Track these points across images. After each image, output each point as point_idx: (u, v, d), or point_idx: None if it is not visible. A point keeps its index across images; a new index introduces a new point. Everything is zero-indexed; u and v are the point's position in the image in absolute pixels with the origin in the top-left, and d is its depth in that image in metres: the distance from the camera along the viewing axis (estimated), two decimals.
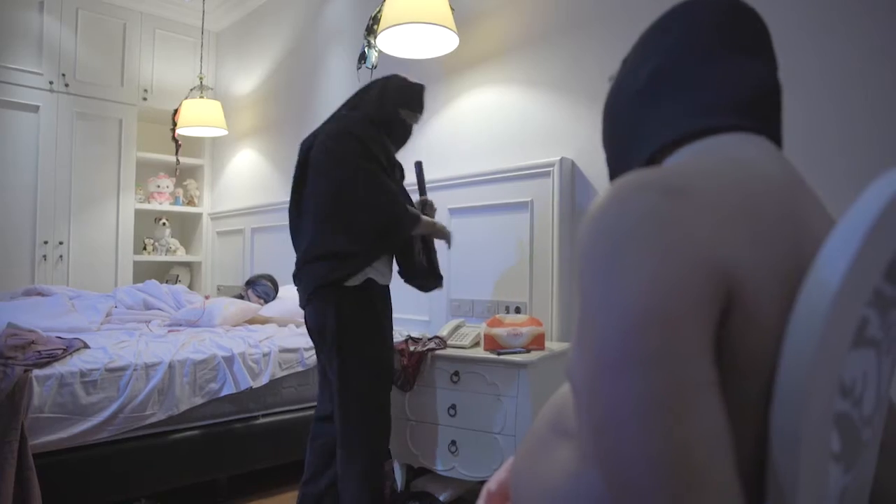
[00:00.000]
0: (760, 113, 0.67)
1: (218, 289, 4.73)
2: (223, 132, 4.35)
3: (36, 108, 4.21)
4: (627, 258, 0.50)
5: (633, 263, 0.50)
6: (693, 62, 0.69)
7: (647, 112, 0.70)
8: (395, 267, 2.24)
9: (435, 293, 3.03)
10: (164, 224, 4.93)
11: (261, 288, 3.68)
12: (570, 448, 0.66)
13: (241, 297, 3.59)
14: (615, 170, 0.77)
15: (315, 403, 2.66)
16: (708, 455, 0.47)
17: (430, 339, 2.37)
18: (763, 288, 0.53)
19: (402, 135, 2.23)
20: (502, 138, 2.87)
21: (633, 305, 0.49)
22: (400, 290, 3.28)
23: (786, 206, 0.58)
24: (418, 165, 2.34)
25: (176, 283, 4.89)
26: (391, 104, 2.15)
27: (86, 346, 2.25)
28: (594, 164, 2.51)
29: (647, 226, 0.51)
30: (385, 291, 2.12)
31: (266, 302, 3.64)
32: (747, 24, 0.71)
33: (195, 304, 3.29)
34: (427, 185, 3.11)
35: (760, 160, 0.61)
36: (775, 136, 0.69)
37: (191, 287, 5.03)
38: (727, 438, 0.50)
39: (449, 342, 2.36)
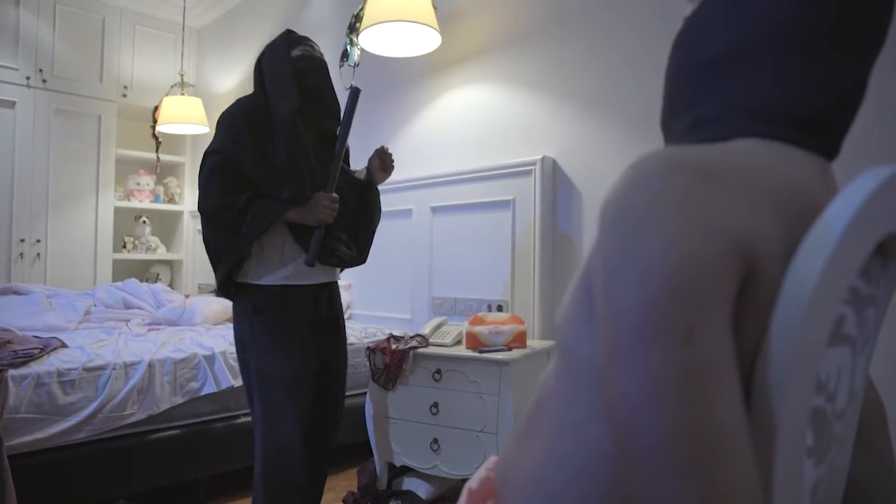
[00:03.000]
0: (825, 127, 0.64)
1: (199, 287, 4.69)
2: (204, 129, 4.31)
3: (12, 104, 4.14)
4: (655, 233, 0.50)
5: (660, 238, 0.50)
6: (783, 48, 0.62)
7: (712, 90, 0.66)
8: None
9: (417, 291, 3.04)
10: (144, 222, 4.88)
11: None
12: (550, 423, 0.66)
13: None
14: (667, 121, 0.73)
15: None
16: (731, 429, 0.48)
17: (412, 338, 2.37)
18: (778, 275, 0.53)
19: (313, 77, 1.95)
20: (484, 137, 2.87)
21: (660, 277, 0.49)
22: (384, 288, 3.29)
23: (812, 207, 0.58)
24: (353, 92, 1.96)
25: (156, 281, 4.84)
26: (276, 63, 1.93)
27: (63, 346, 2.22)
28: (576, 163, 2.53)
29: (676, 204, 0.51)
30: (271, 293, 1.88)
31: None
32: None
33: (175, 302, 3.26)
34: (411, 183, 3.11)
35: (798, 167, 0.61)
36: (835, 145, 0.66)
37: (171, 285, 4.98)
38: (745, 415, 0.50)
39: (431, 340, 2.36)
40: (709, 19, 0.68)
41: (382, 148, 2.09)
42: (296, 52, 1.94)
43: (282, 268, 1.87)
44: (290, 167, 1.85)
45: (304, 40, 1.99)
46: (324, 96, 1.99)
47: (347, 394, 2.80)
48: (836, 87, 0.63)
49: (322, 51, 2.05)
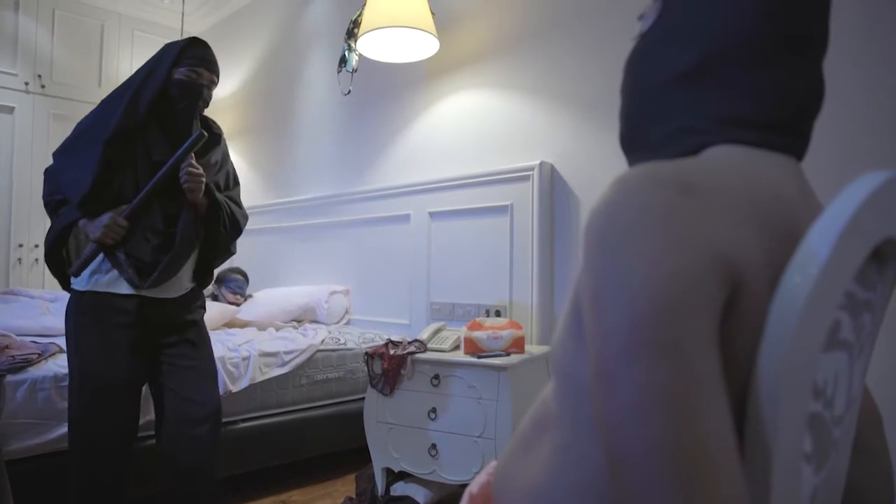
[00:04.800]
0: (795, 129, 0.66)
1: None
2: None
3: (11, 110, 4.15)
4: (641, 250, 0.51)
5: (646, 255, 0.50)
6: (748, 57, 0.64)
7: (683, 103, 0.67)
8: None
9: (416, 296, 3.04)
10: None
11: (233, 283, 3.61)
12: (550, 442, 0.66)
13: (214, 297, 3.55)
14: (628, 138, 0.74)
15: (293, 408, 2.65)
16: (719, 445, 0.48)
17: (410, 343, 2.37)
18: (762, 289, 0.54)
19: (179, 95, 1.90)
20: (482, 142, 2.88)
21: (647, 294, 0.49)
22: (382, 293, 3.29)
23: (791, 215, 0.58)
24: (197, 135, 1.84)
25: None
26: (154, 74, 1.91)
27: (61, 351, 2.22)
28: (573, 168, 2.53)
29: (661, 220, 0.51)
30: (91, 299, 1.85)
31: (241, 296, 3.59)
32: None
33: None
34: (409, 188, 3.11)
35: (775, 174, 0.61)
36: (803, 146, 0.68)
37: None
38: (733, 429, 0.50)
39: (429, 345, 2.36)
40: (667, 35, 0.69)
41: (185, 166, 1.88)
42: (177, 74, 1.89)
43: (96, 275, 1.87)
44: (87, 180, 1.80)
45: (194, 63, 1.90)
46: (171, 127, 1.92)
47: (346, 399, 2.83)
48: (800, 90, 0.66)
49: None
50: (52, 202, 1.93)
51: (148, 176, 1.87)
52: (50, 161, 2.01)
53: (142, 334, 1.88)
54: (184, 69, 1.89)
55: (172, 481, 1.88)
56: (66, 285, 2.00)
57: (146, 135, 1.88)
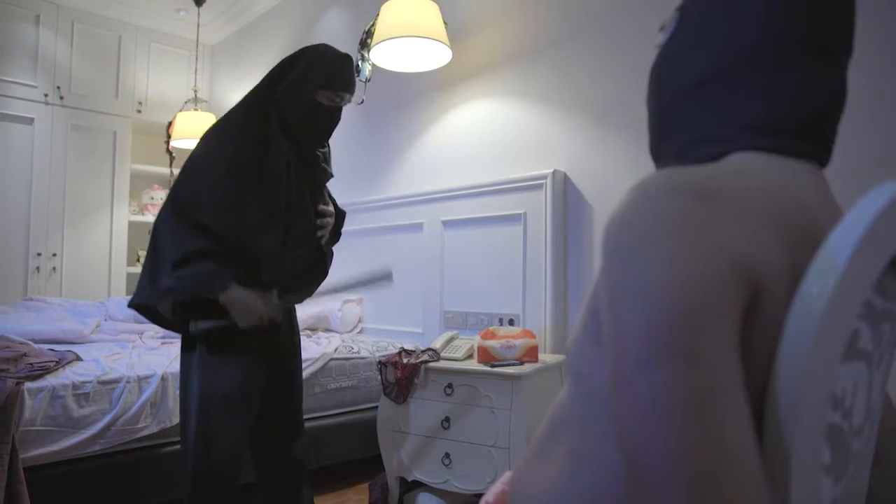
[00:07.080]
0: (814, 134, 0.65)
1: None
2: None
3: (30, 121, 4.20)
4: (661, 255, 0.50)
5: (666, 260, 0.50)
6: (765, 62, 0.64)
7: (702, 111, 0.67)
8: None
9: (429, 305, 3.04)
10: None
11: None
12: (563, 446, 0.65)
13: None
14: (656, 147, 0.75)
15: (306, 416, 2.65)
16: (740, 451, 0.47)
17: (423, 352, 2.37)
18: (782, 295, 0.53)
19: (318, 122, 1.81)
20: (495, 151, 2.88)
21: (664, 300, 0.49)
22: (395, 302, 3.29)
23: (811, 220, 0.58)
24: (387, 273, 1.95)
25: None
26: (298, 96, 1.79)
27: (78, 359, 2.24)
28: (586, 177, 2.53)
29: (680, 226, 0.51)
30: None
31: None
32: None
33: None
34: (422, 197, 3.12)
35: (793, 180, 0.61)
36: (826, 151, 0.67)
37: None
38: (754, 434, 0.50)
39: (442, 354, 2.36)
40: (687, 44, 0.70)
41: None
42: (322, 98, 1.77)
43: None
44: (275, 215, 1.71)
45: (339, 86, 1.78)
46: (307, 146, 1.83)
47: (359, 407, 2.83)
48: (820, 95, 0.65)
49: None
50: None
51: (310, 192, 1.83)
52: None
53: (267, 342, 1.79)
54: (325, 93, 1.77)
55: None
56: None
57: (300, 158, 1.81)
